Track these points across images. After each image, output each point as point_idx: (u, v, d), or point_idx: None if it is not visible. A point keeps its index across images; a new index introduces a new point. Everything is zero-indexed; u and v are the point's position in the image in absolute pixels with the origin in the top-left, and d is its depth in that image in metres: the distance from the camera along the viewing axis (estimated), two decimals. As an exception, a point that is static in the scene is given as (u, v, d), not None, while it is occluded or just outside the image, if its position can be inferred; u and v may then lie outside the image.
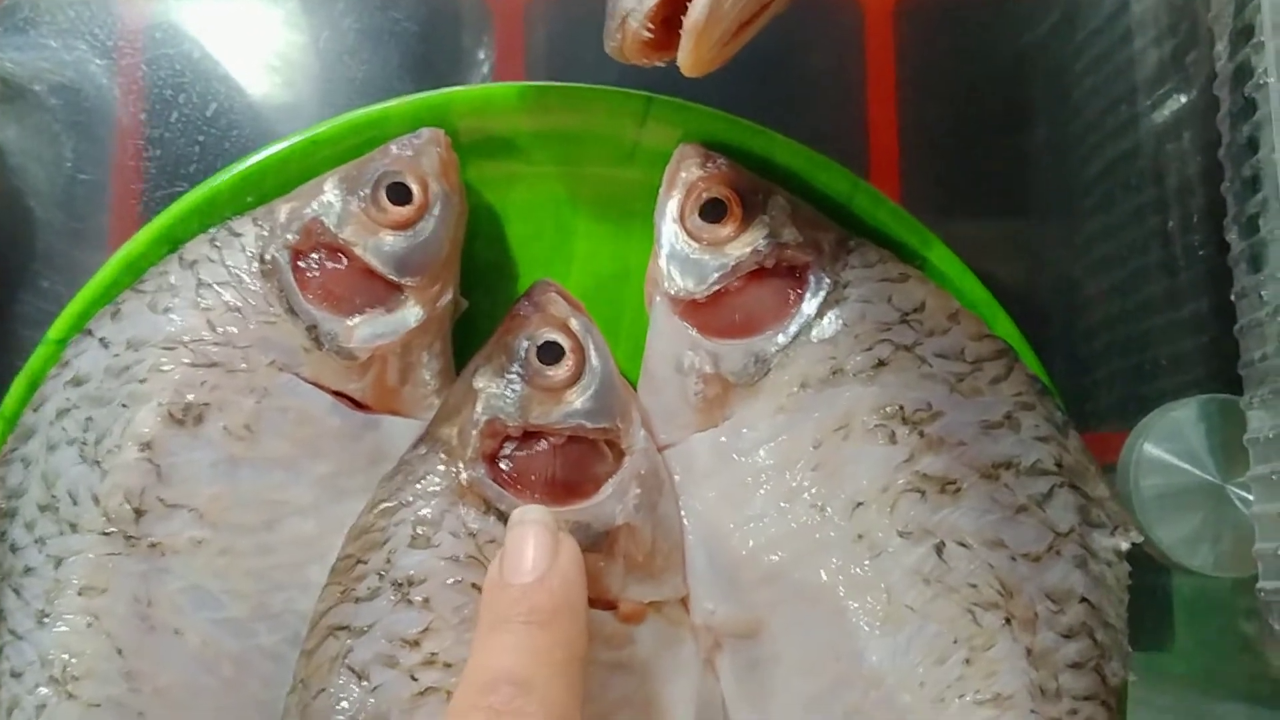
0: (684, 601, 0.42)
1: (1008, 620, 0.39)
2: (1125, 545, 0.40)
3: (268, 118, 0.51)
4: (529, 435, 0.40)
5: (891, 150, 0.55)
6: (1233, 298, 0.47)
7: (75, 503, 0.39)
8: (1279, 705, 0.50)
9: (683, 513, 0.42)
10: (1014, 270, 0.54)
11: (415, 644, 0.38)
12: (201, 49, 0.51)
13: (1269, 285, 0.43)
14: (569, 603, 0.35)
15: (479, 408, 0.40)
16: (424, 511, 0.39)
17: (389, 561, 0.39)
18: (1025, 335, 0.44)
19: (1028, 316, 0.45)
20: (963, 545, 0.39)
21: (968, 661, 0.38)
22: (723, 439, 0.42)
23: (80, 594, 0.39)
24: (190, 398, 0.40)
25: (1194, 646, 0.52)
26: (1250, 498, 0.47)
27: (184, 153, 0.50)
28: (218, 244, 0.42)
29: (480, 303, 0.45)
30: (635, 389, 0.44)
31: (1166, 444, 0.49)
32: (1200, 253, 0.51)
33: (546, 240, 0.46)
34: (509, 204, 0.46)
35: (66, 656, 0.38)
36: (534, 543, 0.36)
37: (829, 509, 0.40)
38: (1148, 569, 0.50)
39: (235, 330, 0.40)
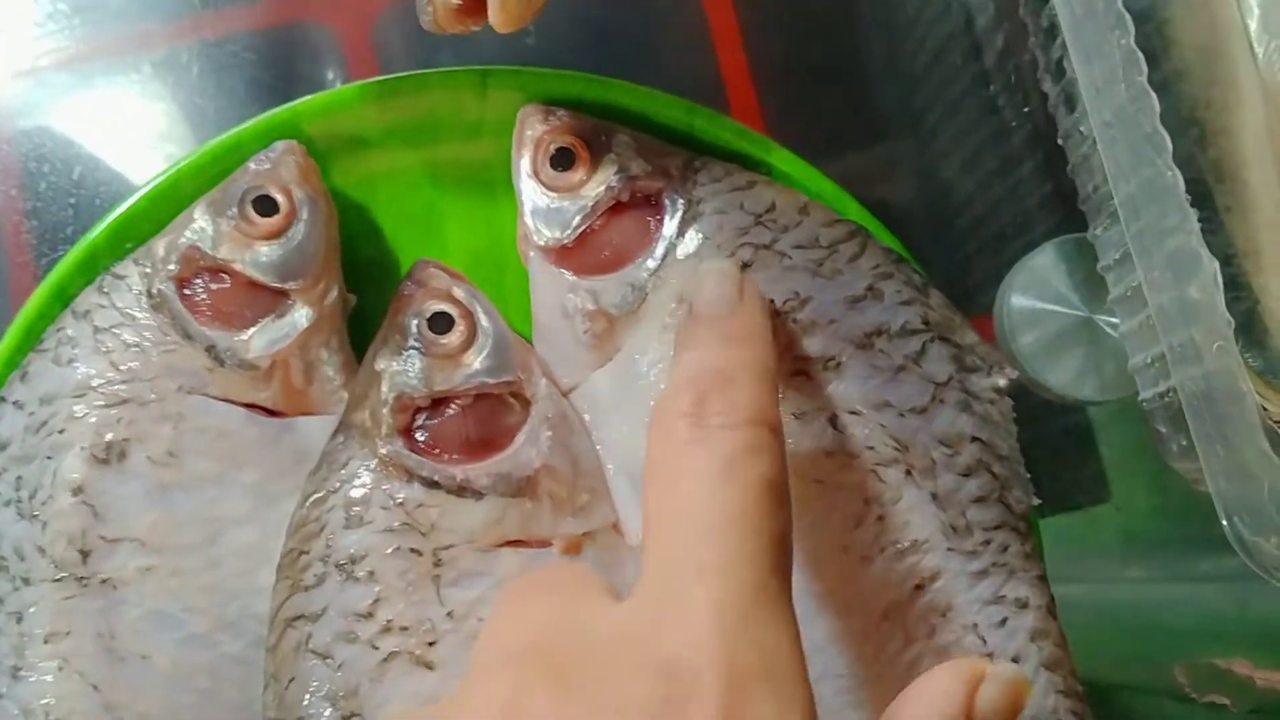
0: (616, 527, 0.44)
1: (909, 471, 0.41)
2: (1002, 382, 0.43)
3: (131, 168, 0.53)
4: (437, 403, 0.43)
5: (749, 96, 0.57)
6: (1060, 142, 0.50)
7: (23, 559, 0.41)
8: (1185, 515, 0.54)
9: (599, 447, 0.45)
10: (872, 180, 0.57)
11: (369, 615, 0.40)
12: (56, 117, 0.53)
13: (1084, 120, 0.46)
14: (761, 329, 0.37)
15: (385, 388, 0.42)
16: (352, 493, 0.41)
17: (329, 546, 0.41)
18: (886, 224, 0.47)
19: (891, 217, 0.48)
20: (854, 413, 0.42)
21: (881, 518, 0.41)
22: (619, 369, 0.44)
23: (46, 641, 0.40)
24: (110, 436, 0.42)
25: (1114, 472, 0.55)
26: (1117, 321, 0.50)
27: (59, 218, 0.52)
28: (105, 290, 0.44)
29: (369, 298, 0.47)
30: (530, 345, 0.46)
31: (1032, 292, 0.52)
32: (1025, 109, 0.54)
33: (419, 227, 0.48)
34: (376, 200, 0.48)
35: (47, 702, 0.40)
36: (722, 280, 0.38)
37: (727, 412, 0.43)
38: (1050, 412, 0.54)
39: (138, 365, 0.42)
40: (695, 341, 0.36)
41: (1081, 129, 0.47)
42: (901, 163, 0.58)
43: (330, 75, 0.56)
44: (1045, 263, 0.52)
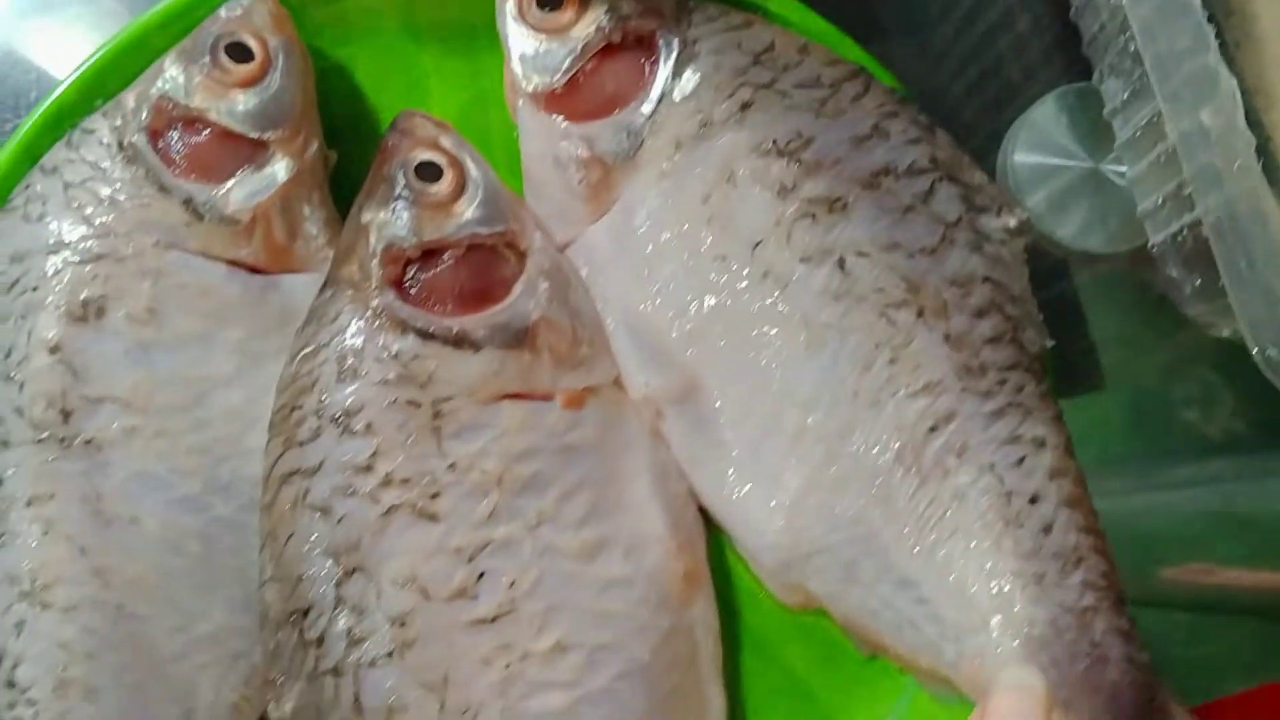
0: (618, 382, 0.43)
1: (920, 313, 0.40)
2: (1013, 222, 0.42)
3: (98, 30, 0.50)
4: (428, 254, 0.41)
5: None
6: (1062, -14, 0.49)
7: (1, 422, 0.39)
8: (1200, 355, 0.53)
9: (598, 303, 0.43)
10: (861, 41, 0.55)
11: (368, 468, 0.39)
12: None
13: (1091, -43, 0.45)
14: None
15: (373, 239, 0.41)
16: (345, 346, 0.40)
17: (322, 400, 0.39)
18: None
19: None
20: (862, 255, 0.40)
21: (892, 361, 0.40)
22: (617, 221, 0.43)
23: (29, 505, 0.39)
24: (86, 294, 0.40)
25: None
26: (1124, 169, 0.49)
27: (21, 85, 0.49)
28: (74, 145, 0.42)
29: (349, 156, 0.45)
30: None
31: (1035, 147, 0.50)
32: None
33: (398, 82, 0.46)
34: (353, 55, 0.46)
35: (32, 567, 0.39)
36: (1024, 702, 0.35)
37: (730, 257, 0.41)
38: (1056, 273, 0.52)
39: (112, 220, 0.40)
40: None
41: (1087, -35, 0.45)
42: (891, 23, 0.56)
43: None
44: (1045, 114, 0.50)
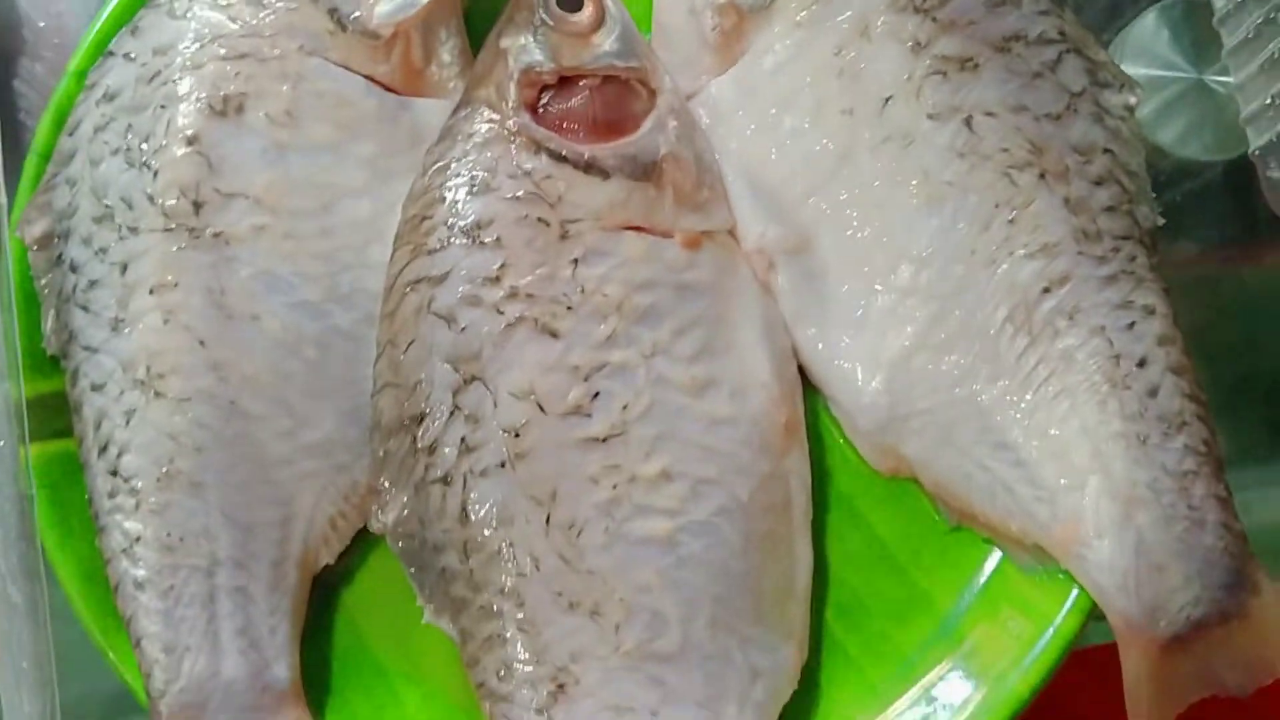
0: (733, 233, 0.43)
1: (1042, 175, 0.40)
2: (1133, 100, 0.43)
3: None
4: (564, 82, 0.41)
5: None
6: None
7: (131, 207, 0.40)
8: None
9: (717, 155, 0.44)
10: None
11: (496, 280, 0.39)
12: None
13: None
14: None
15: (511, 62, 0.41)
16: (479, 161, 0.40)
17: (454, 211, 0.40)
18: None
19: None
20: (989, 115, 0.41)
21: (1011, 221, 0.40)
22: (745, 71, 0.43)
23: (152, 292, 0.39)
24: (227, 89, 0.40)
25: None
26: (1228, 80, 0.49)
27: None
28: (219, -53, 0.42)
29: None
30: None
31: (1138, 58, 0.51)
32: None
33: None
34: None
35: (149, 355, 0.39)
36: None
37: (858, 111, 0.42)
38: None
39: (258, 21, 0.41)
40: None
41: None
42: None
43: None
44: (1146, 28, 0.51)
